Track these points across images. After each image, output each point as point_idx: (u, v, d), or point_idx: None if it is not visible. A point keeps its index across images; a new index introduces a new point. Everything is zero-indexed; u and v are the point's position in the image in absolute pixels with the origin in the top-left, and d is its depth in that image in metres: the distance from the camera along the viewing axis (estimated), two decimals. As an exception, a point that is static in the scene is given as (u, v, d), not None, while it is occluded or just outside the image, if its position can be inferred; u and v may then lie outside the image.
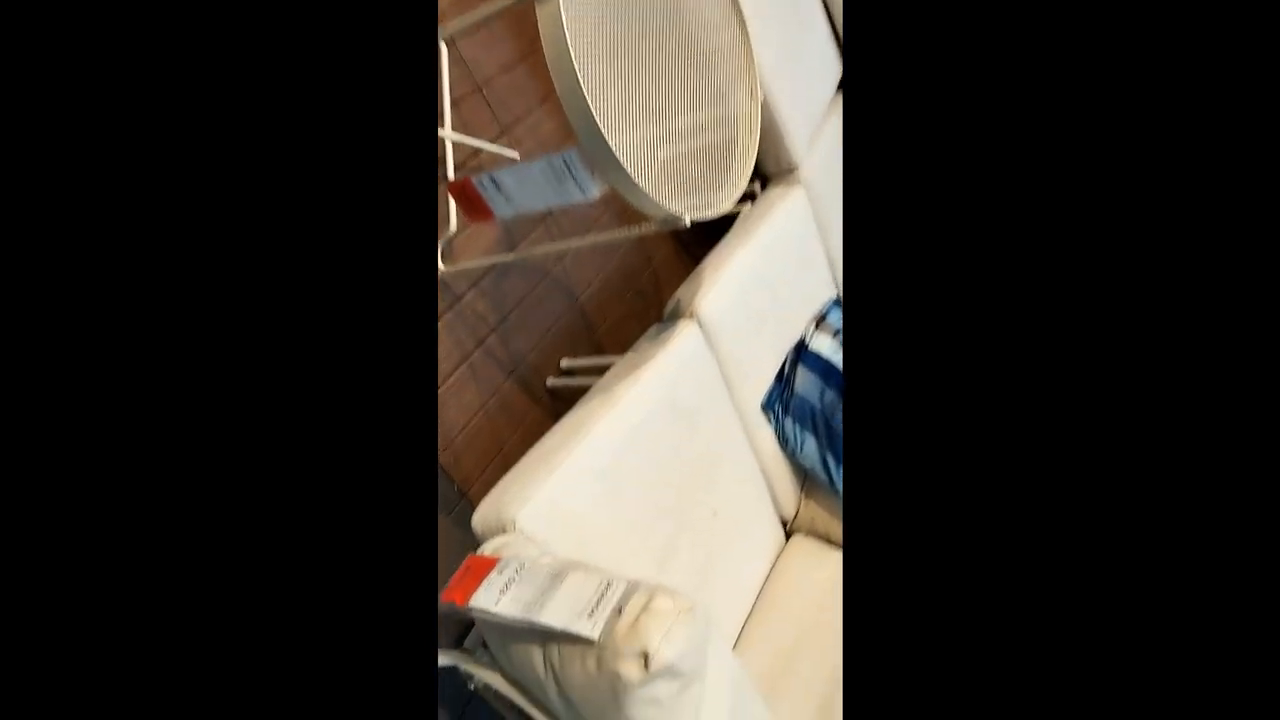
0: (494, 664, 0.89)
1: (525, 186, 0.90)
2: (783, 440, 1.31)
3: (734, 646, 1.19)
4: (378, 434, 0.33)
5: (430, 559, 0.36)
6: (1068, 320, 0.24)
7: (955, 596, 0.25)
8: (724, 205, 0.96)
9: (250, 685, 0.27)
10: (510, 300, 1.31)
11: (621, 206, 1.52)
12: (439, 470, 1.17)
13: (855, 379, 0.27)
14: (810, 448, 1.29)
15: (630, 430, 1.04)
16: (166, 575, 0.26)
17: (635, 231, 0.98)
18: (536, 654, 0.75)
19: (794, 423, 1.30)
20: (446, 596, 0.81)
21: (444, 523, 1.16)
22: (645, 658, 0.65)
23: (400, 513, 0.32)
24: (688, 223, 0.89)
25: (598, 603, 0.70)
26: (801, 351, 1.36)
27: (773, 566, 1.31)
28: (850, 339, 0.29)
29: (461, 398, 1.21)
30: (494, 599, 0.77)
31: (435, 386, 1.15)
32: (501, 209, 0.96)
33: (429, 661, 0.32)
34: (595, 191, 0.85)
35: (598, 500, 0.99)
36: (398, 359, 0.33)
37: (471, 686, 0.94)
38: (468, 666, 0.92)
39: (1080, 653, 0.23)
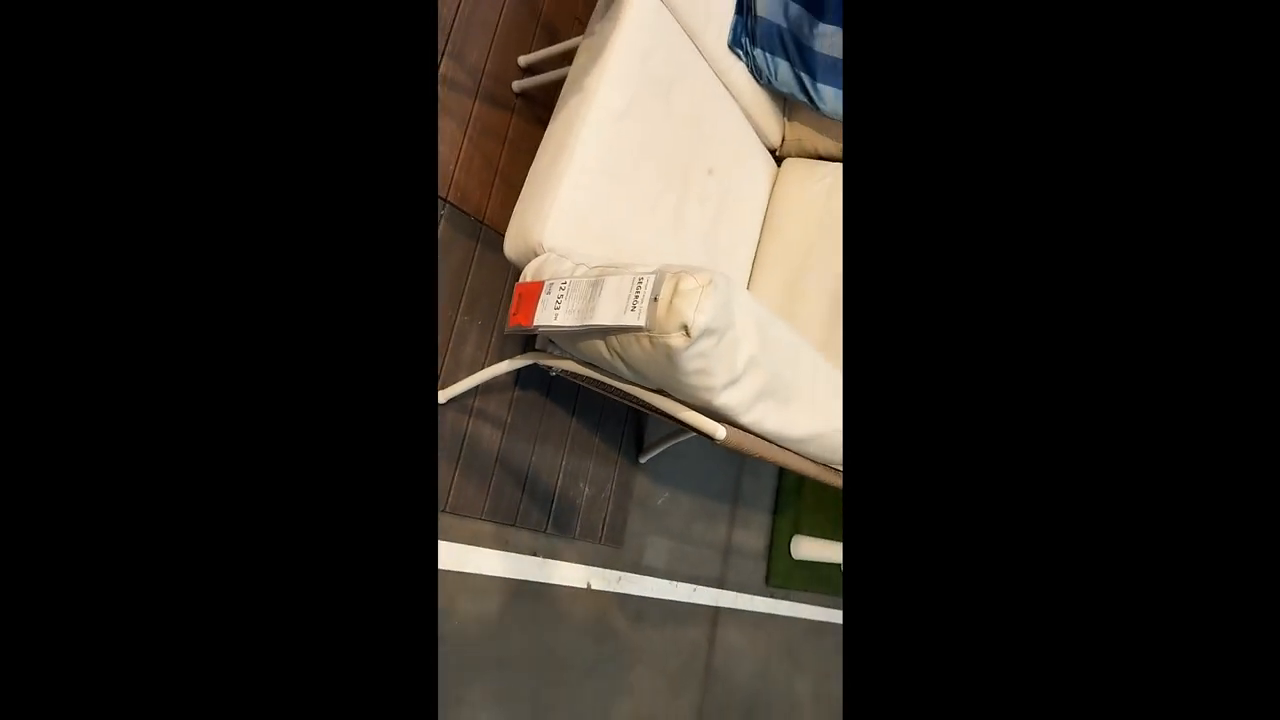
0: (565, 355, 1.08)
1: None
2: (756, 73, 1.32)
3: (749, 284, 1.36)
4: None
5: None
6: (1069, 320, 0.24)
7: (959, 584, 0.25)
8: None
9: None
10: (446, 18, 1.23)
11: None
12: (458, 209, 1.25)
13: (854, 378, 0.28)
14: (784, 72, 1.30)
15: (614, 119, 1.08)
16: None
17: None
18: (600, 345, 0.93)
19: (763, 52, 1.29)
20: (513, 321, 0.97)
21: (476, 248, 1.28)
22: (685, 328, 0.80)
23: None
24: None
25: (635, 297, 0.84)
26: (755, -31, 1.29)
27: (770, 195, 1.42)
28: (850, 337, 0.30)
29: (444, 134, 1.23)
30: (552, 316, 0.92)
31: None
32: None
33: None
34: None
35: (604, 195, 1.08)
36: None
37: (553, 374, 1.15)
38: (545, 362, 1.11)
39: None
